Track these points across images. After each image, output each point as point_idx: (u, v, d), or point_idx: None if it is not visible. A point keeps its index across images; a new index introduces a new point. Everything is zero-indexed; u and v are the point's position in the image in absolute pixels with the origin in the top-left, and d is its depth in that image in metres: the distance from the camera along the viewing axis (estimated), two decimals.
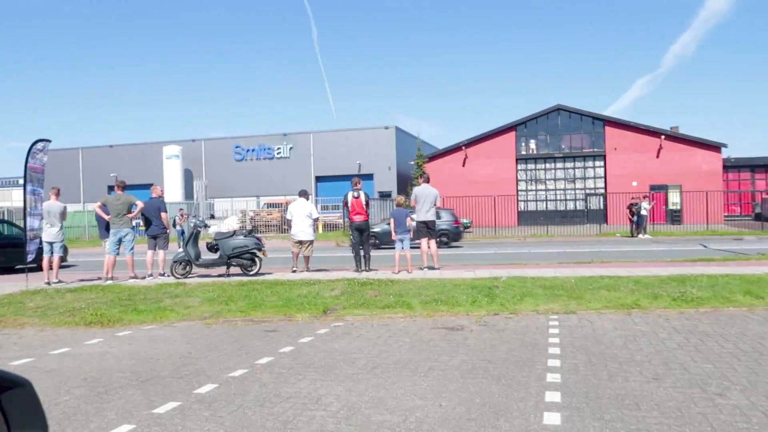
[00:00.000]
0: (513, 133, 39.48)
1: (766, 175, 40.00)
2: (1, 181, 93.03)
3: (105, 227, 12.08)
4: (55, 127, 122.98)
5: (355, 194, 12.06)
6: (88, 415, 3.91)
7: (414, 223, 12.03)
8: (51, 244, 11.68)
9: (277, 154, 45.55)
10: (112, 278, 11.50)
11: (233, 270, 11.74)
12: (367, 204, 12.09)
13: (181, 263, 11.56)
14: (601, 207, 36.33)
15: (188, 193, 44.73)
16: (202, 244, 12.11)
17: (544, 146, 39.51)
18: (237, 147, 46.31)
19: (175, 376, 4.85)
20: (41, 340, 6.71)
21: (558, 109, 39.00)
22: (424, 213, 11.85)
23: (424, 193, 11.94)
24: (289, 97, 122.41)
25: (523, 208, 38.54)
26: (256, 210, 36.74)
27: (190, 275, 11.66)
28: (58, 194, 12.05)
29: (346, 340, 6.10)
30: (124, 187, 11.90)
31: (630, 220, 26.81)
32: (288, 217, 12.49)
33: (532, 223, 35.74)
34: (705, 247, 19.38)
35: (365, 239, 12.18)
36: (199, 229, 11.62)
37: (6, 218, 32.17)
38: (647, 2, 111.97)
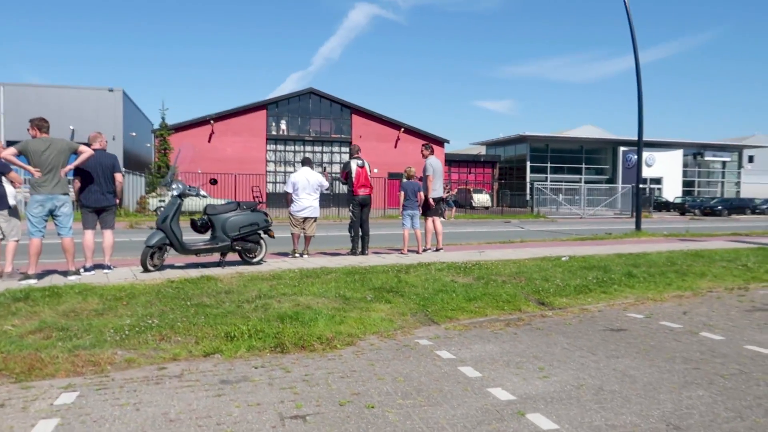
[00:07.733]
0: (264, 112, 37.80)
1: (467, 170, 47.57)
2: None
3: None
4: None
5: (360, 163, 10.06)
6: None
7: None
8: None
9: None
10: (29, 275, 7.03)
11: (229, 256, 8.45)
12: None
13: (158, 249, 7.71)
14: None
15: None
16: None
17: (295, 128, 38.96)
18: None
19: None
20: None
21: (310, 93, 38.89)
22: (439, 189, 10.61)
23: (438, 166, 10.66)
24: None
25: (272, 190, 37.27)
26: None
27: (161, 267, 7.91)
28: None
29: None
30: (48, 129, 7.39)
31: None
32: (289, 189, 9.57)
33: (280, 205, 34.87)
34: (522, 228, 22.24)
35: (366, 217, 10.23)
36: (190, 195, 7.96)
37: None
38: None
